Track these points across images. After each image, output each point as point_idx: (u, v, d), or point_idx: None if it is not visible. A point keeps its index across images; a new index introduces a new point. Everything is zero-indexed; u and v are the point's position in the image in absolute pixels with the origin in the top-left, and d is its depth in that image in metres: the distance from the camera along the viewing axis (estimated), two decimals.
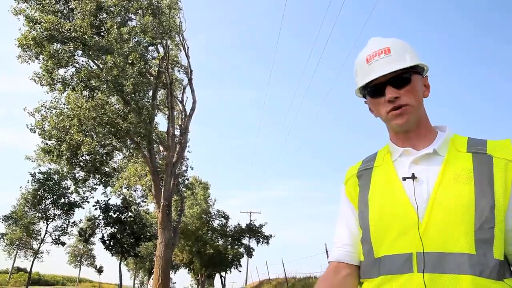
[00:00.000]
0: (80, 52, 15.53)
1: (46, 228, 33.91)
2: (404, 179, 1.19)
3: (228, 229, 39.20)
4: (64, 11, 15.70)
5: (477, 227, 1.06)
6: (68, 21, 15.16)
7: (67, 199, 32.63)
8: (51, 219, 33.36)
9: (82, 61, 16.24)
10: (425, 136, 1.26)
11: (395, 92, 1.20)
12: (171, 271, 28.12)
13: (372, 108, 1.32)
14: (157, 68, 18.27)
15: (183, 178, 22.71)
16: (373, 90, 1.25)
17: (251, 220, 38.60)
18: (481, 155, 1.16)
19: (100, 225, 32.39)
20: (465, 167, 1.14)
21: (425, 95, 1.28)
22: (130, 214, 31.85)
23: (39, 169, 30.82)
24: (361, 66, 1.29)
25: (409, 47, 1.27)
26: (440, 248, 1.07)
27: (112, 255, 32.53)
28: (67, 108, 16.29)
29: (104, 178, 20.13)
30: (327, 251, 13.87)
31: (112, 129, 15.84)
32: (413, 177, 1.18)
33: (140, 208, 31.59)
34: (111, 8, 15.72)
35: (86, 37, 14.61)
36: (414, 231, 1.11)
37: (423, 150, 1.22)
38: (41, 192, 32.22)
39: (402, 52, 1.23)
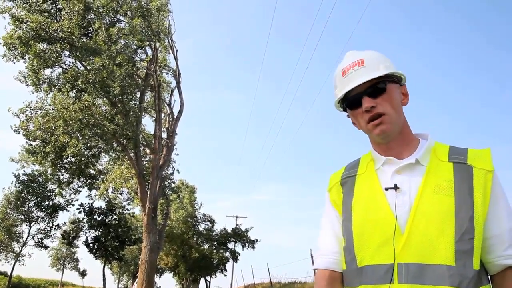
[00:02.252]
0: (67, 53, 15.37)
1: (29, 230, 33.36)
2: (386, 189, 1.21)
3: (213, 233, 39.07)
4: (52, 10, 15.53)
5: (457, 238, 1.08)
6: (55, 21, 15.00)
7: (51, 202, 32.13)
8: (34, 222, 32.81)
9: (69, 61, 16.09)
10: (407, 144, 1.27)
11: (371, 102, 1.22)
12: (155, 275, 27.84)
13: (354, 120, 1.33)
14: (145, 70, 18.17)
15: (169, 181, 22.58)
16: (350, 101, 1.27)
17: (237, 225, 38.55)
18: (462, 165, 1.18)
19: (84, 228, 31.95)
20: (446, 178, 1.16)
21: (404, 103, 1.30)
22: (115, 217, 31.50)
23: (24, 171, 30.40)
24: (338, 79, 1.32)
25: (383, 58, 1.29)
26: (420, 259, 1.09)
27: (96, 259, 32.06)
28: (52, 109, 16.09)
29: (89, 180, 19.90)
30: (312, 257, 13.90)
31: (98, 131, 15.69)
32: (396, 187, 1.19)
33: (125, 211, 31.31)
34: (99, 9, 15.60)
35: (74, 37, 14.47)
36: (396, 242, 1.13)
37: (405, 160, 1.23)
38: (25, 194, 31.68)
39: (376, 63, 1.25)
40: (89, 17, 15.74)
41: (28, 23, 14.29)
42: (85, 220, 31.24)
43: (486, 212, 1.13)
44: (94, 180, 20.16)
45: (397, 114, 1.24)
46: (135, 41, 16.58)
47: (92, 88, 14.47)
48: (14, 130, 15.89)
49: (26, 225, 33.29)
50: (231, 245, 38.02)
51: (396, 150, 1.27)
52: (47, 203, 32.12)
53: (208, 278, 43.25)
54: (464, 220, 1.10)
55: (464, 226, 1.09)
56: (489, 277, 1.16)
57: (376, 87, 1.23)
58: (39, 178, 31.35)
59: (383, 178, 1.25)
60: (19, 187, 31.36)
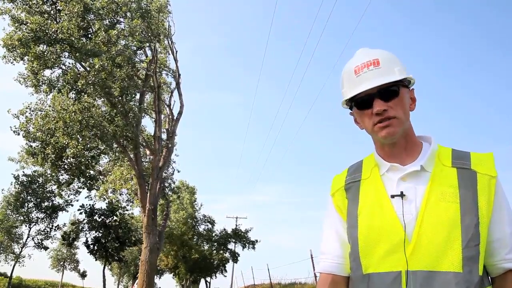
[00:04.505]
0: (67, 54, 15.35)
1: (29, 231, 33.34)
2: (392, 196, 1.20)
3: (213, 234, 39.06)
4: (52, 12, 15.52)
5: (464, 245, 1.09)
6: (55, 23, 14.99)
7: (51, 203, 32.11)
8: (34, 223, 32.79)
9: (69, 62, 16.06)
10: (411, 149, 1.26)
11: (383, 105, 1.19)
12: (155, 276, 27.84)
13: (359, 120, 1.31)
14: (144, 71, 18.16)
15: (169, 182, 22.56)
16: (360, 102, 1.24)
17: (237, 225, 38.54)
18: (466, 171, 1.18)
19: (85, 229, 31.96)
20: (451, 184, 1.16)
21: (411, 109, 1.28)
22: (115, 218, 31.50)
23: (23, 172, 30.38)
24: (348, 77, 1.27)
25: (397, 60, 1.26)
26: (428, 267, 1.09)
27: (96, 260, 32.09)
28: (52, 110, 16.07)
29: (88, 181, 19.89)
30: (312, 257, 13.89)
31: (98, 132, 15.67)
32: (402, 195, 1.19)
33: (125, 212, 31.29)
34: (99, 11, 15.59)
35: (73, 39, 14.46)
36: (403, 250, 1.13)
37: (410, 167, 1.22)
38: (24, 195, 31.66)
39: (391, 65, 1.22)
40: (89, 18, 15.73)
41: (28, 24, 14.27)
42: (85, 221, 31.26)
43: (489, 217, 1.14)
44: (94, 181, 20.15)
45: (406, 119, 1.23)
46: (135, 42, 16.56)
47: (92, 89, 14.45)
48: (14, 132, 15.85)
49: (26, 226, 33.29)
50: (231, 246, 38.03)
51: (400, 155, 1.26)
52: (46, 204, 32.10)
53: (208, 279, 43.28)
54: (469, 227, 1.10)
55: (470, 233, 1.10)
56: (489, 278, 1.18)
57: (389, 90, 1.20)
58: (38, 179, 31.33)
59: (388, 185, 1.24)
60: (18, 188, 31.34)
